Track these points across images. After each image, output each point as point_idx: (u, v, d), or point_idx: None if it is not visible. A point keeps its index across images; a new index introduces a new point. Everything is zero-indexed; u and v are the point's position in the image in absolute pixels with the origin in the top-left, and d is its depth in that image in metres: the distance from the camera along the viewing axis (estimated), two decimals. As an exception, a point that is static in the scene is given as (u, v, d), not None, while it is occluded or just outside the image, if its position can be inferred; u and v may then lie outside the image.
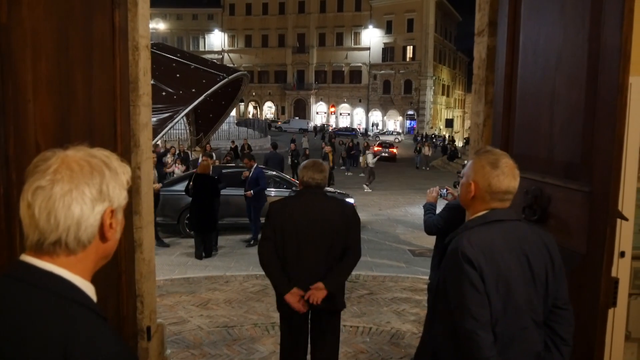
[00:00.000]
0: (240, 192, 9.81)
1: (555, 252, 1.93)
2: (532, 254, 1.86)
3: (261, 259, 3.14)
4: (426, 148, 31.17)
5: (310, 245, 3.06)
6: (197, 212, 8.41)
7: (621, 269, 2.65)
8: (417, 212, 13.51)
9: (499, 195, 1.88)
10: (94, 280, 1.12)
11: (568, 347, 1.93)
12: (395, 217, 13.07)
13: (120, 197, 1.10)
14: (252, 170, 9.49)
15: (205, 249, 8.44)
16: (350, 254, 3.11)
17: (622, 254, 2.71)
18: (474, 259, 1.76)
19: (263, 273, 7.21)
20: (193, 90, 18.33)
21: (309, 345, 3.30)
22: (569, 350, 1.94)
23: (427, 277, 4.56)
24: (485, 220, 1.88)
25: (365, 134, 50.95)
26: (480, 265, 1.76)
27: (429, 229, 4.11)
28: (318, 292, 2.98)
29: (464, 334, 1.77)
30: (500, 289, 1.79)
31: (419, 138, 44.00)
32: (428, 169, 28.92)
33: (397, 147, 35.41)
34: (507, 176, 1.87)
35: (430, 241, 5.93)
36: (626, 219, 2.39)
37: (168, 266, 7.77)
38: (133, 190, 3.17)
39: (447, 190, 4.42)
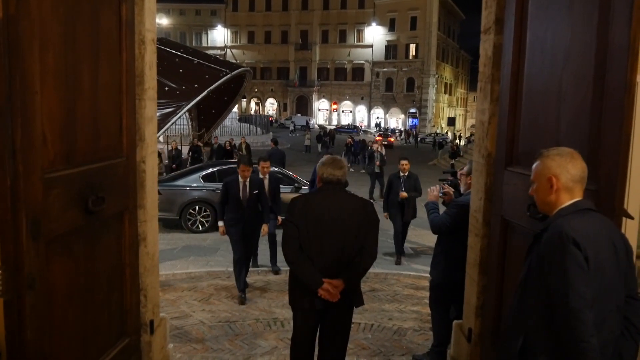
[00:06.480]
0: None
1: (629, 245, 2.01)
2: (617, 242, 1.94)
3: (288, 258, 3.09)
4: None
5: (332, 242, 3.03)
6: None
7: (625, 268, 2.65)
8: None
9: (579, 177, 2.00)
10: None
11: None
12: (396, 215, 13.03)
13: None
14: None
15: None
16: (367, 252, 3.07)
17: (626, 253, 2.70)
18: (579, 240, 1.84)
19: (264, 269, 7.22)
20: (196, 85, 18.33)
21: (318, 341, 3.29)
22: None
23: (428, 275, 4.55)
24: (576, 208, 1.98)
25: (364, 131, 50.75)
26: (585, 247, 1.84)
27: (436, 227, 4.06)
28: (335, 288, 3.00)
29: (570, 313, 1.80)
30: (598, 272, 1.86)
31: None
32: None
33: (395, 138, 35.86)
34: (577, 160, 2.01)
35: (430, 239, 5.94)
36: (632, 218, 2.38)
37: (170, 261, 7.79)
38: (138, 184, 3.17)
39: (442, 188, 4.35)
